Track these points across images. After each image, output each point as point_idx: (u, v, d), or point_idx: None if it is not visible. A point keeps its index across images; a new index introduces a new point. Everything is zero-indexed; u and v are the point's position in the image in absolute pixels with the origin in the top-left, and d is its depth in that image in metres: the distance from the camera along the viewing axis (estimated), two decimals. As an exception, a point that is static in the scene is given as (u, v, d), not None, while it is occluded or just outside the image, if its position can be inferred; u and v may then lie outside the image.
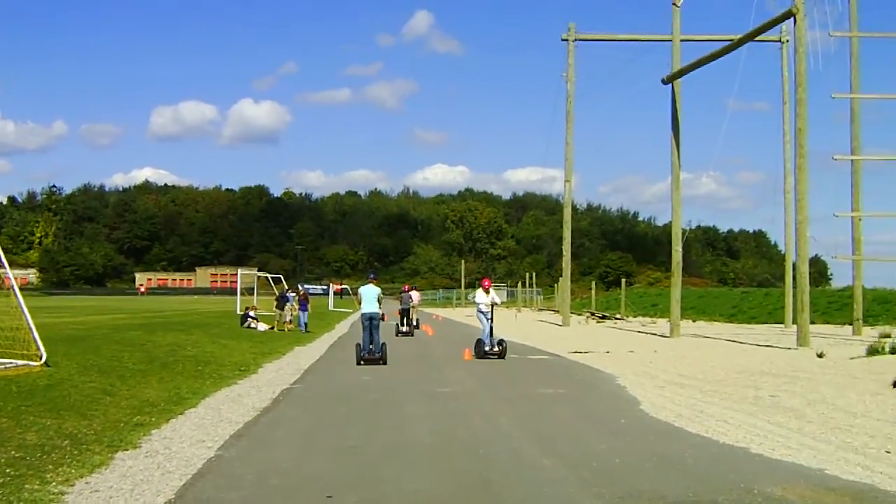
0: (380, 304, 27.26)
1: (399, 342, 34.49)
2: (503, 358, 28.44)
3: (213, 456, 11.46)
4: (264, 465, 10.96)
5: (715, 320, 65.95)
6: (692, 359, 28.42)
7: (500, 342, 29.21)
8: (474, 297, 31.13)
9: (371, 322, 26.61)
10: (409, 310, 45.60)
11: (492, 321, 29.48)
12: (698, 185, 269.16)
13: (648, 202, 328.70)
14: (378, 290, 27.54)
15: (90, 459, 10.75)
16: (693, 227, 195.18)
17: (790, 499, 9.23)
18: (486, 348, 28.77)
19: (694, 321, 63.38)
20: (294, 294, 52.83)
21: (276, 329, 44.04)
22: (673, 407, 16.77)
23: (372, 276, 29.03)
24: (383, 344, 26.70)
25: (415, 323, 47.87)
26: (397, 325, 44.67)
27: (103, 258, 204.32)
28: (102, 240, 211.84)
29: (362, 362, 26.00)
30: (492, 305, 29.74)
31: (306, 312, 46.61)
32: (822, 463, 11.25)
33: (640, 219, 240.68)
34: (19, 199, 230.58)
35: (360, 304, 27.66)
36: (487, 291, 30.13)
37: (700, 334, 45.17)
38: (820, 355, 26.88)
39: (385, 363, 25.88)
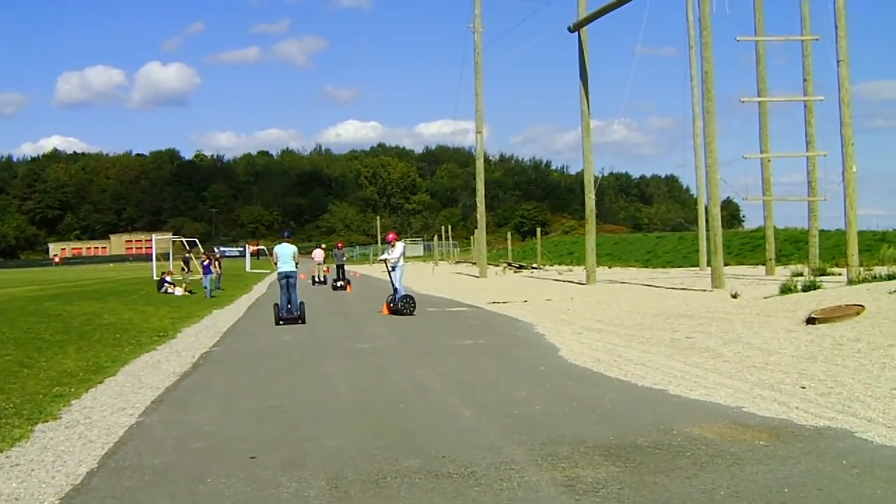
0: (296, 262, 27.11)
1: (317, 299, 34.41)
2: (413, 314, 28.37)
3: (134, 423, 11.37)
4: (186, 429, 10.90)
5: (630, 266, 66.52)
6: (609, 305, 28.68)
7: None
8: (387, 253, 30.94)
9: (288, 281, 26.49)
10: (342, 265, 51.63)
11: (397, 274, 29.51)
12: (610, 133, 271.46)
13: (560, 151, 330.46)
14: (293, 248, 27.36)
15: (9, 433, 10.61)
16: (606, 175, 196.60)
17: (709, 437, 9.37)
18: (401, 305, 28.72)
19: (610, 267, 63.93)
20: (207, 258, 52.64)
21: (188, 291, 43.82)
22: (591, 353, 16.96)
23: (286, 234, 28.83)
24: (301, 303, 26.61)
25: (322, 279, 54.87)
26: (333, 280, 50.53)
27: (15, 230, 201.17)
28: (13, 211, 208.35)
29: (281, 322, 25.93)
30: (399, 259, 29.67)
31: (209, 277, 43.12)
32: (739, 401, 11.44)
33: (553, 168, 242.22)
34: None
35: (276, 263, 27.56)
36: (394, 245, 29.90)
37: (616, 280, 45.61)
38: (734, 296, 27.23)
39: (304, 322, 25.84)
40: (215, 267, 50.57)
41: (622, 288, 38.60)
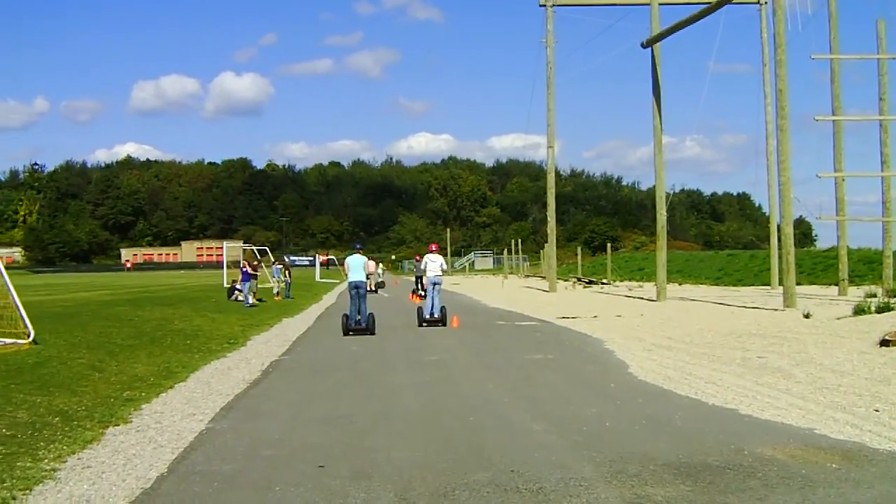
0: (367, 273, 27.15)
1: (384, 311, 34.42)
2: (445, 325, 28.80)
3: (204, 429, 11.47)
4: (255, 436, 10.98)
5: (701, 283, 66.02)
6: (679, 322, 28.47)
7: (442, 309, 29.53)
8: (422, 265, 31.04)
9: (357, 291, 26.57)
10: (421, 277, 50.46)
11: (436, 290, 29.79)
12: (682, 149, 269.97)
13: (632, 167, 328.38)
14: (364, 259, 27.49)
15: (82, 436, 10.75)
16: (677, 191, 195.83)
17: (780, 459, 9.27)
18: (427, 315, 29.23)
19: (680, 284, 63.49)
20: (281, 266, 52.95)
21: (254, 299, 44.12)
22: (661, 370, 16.84)
23: (358, 246, 29.08)
24: (371, 314, 26.65)
25: (373, 288, 55.53)
26: (414, 289, 51.50)
27: (88, 235, 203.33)
28: (87, 216, 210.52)
29: (350, 332, 26.02)
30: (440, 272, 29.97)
31: (248, 284, 41.79)
32: (811, 423, 11.31)
33: (625, 183, 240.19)
34: (2, 178, 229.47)
35: (346, 274, 27.66)
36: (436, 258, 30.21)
37: (686, 297, 45.23)
38: (807, 316, 26.94)
39: (373, 333, 25.87)
40: (285, 275, 51.07)
41: (693, 305, 38.30)
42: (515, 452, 9.78)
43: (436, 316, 29.16)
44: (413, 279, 53.78)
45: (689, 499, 7.74)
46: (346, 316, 26.67)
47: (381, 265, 59.35)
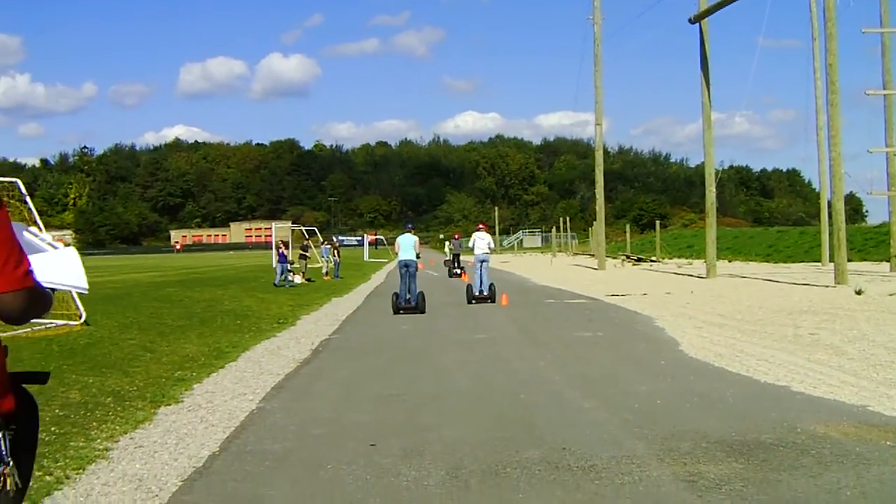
0: (417, 253, 27.22)
1: (435, 290, 34.36)
2: (493, 302, 29.24)
3: (255, 408, 11.52)
4: (306, 415, 11.01)
5: (751, 260, 65.69)
6: (729, 299, 28.33)
7: (490, 286, 29.97)
8: (470, 243, 31.36)
9: (408, 270, 26.67)
10: (459, 255, 53.40)
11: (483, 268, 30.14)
12: (731, 125, 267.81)
13: (680, 143, 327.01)
14: (415, 238, 27.56)
15: (134, 415, 10.83)
16: (726, 167, 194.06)
17: (833, 436, 9.18)
18: (476, 292, 29.70)
19: (730, 261, 63.20)
20: (329, 246, 53.13)
21: (307, 279, 44.42)
22: (712, 347, 16.73)
23: (409, 225, 29.21)
24: (420, 293, 26.69)
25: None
26: (450, 267, 52.48)
27: (137, 217, 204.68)
28: (136, 199, 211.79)
29: (400, 311, 26.11)
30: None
31: (283, 266, 42.05)
32: (864, 399, 11.19)
33: (673, 160, 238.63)
34: (52, 162, 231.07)
35: (397, 253, 27.76)
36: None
37: (736, 274, 44.97)
38: (858, 292, 26.74)
39: (423, 312, 25.91)
40: (334, 255, 51.24)
41: (743, 282, 38.07)
42: (567, 430, 9.75)
43: (485, 293, 29.43)
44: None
45: (743, 476, 7.68)
46: (396, 295, 26.80)
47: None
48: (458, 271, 51.03)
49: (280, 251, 43.13)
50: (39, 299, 3.22)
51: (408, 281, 26.56)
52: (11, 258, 3.05)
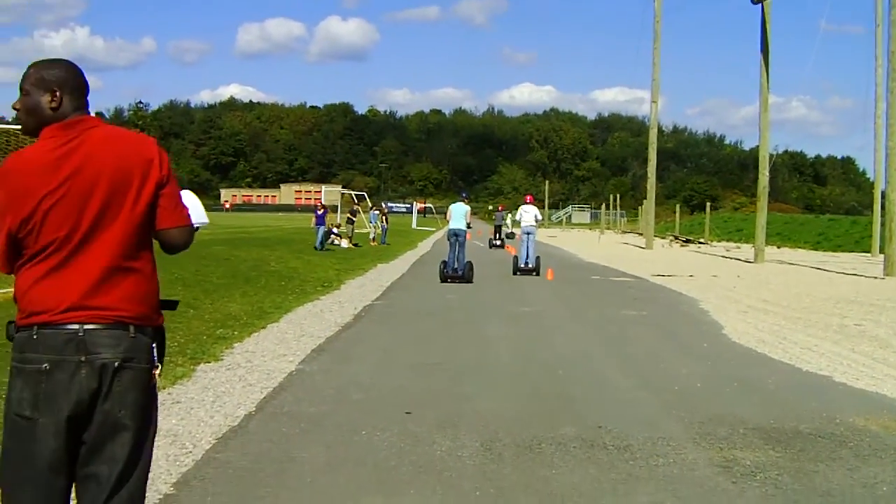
0: (468, 223, 27.24)
1: (481, 261, 34.30)
2: (538, 274, 29.41)
3: (294, 370, 11.55)
4: (345, 379, 11.04)
5: (800, 247, 65.23)
6: (776, 285, 28.15)
7: (536, 259, 30.15)
8: (517, 215, 31.50)
9: (457, 239, 26.72)
10: (501, 226, 54.00)
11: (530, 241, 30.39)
12: (787, 109, 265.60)
13: (735, 125, 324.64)
14: (467, 208, 27.65)
15: (172, 371, 10.84)
16: (780, 152, 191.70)
17: (873, 429, 9.08)
18: (522, 264, 29.92)
19: (779, 247, 62.73)
20: (378, 212, 53.17)
21: (354, 244, 44.45)
22: (756, 333, 16.62)
23: (464, 194, 29.28)
24: (468, 262, 26.68)
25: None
26: (491, 238, 53.00)
27: (189, 174, 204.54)
28: (188, 156, 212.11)
29: (448, 280, 26.19)
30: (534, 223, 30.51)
31: (322, 228, 41.36)
32: (907, 394, 11.09)
33: (727, 142, 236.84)
34: (107, 116, 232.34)
35: (448, 220, 27.86)
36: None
37: (785, 261, 44.70)
38: (908, 284, 26.50)
39: (469, 282, 25.93)
40: (382, 221, 51.33)
41: (790, 269, 37.83)
42: (604, 408, 9.73)
43: (530, 265, 29.60)
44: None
45: (779, 465, 7.62)
46: (444, 262, 26.93)
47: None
48: (499, 242, 51.46)
49: (318, 212, 42.71)
50: (191, 234, 4.36)
51: (456, 250, 26.58)
52: (179, 203, 4.22)
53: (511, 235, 54.20)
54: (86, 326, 3.87)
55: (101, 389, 3.87)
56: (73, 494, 4.00)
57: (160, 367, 4.12)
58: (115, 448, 3.91)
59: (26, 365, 3.88)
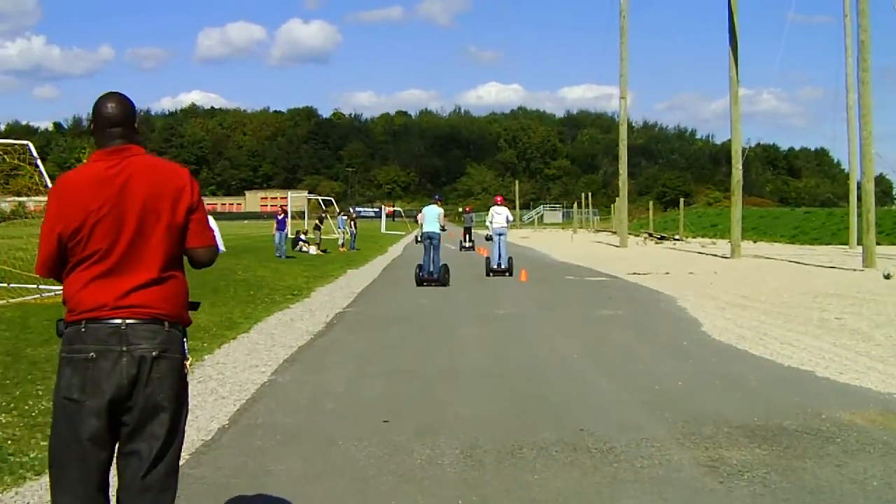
0: (441, 226, 27.31)
1: (453, 264, 34.29)
2: (511, 275, 29.80)
3: (266, 381, 11.49)
4: (319, 389, 11.00)
5: (776, 241, 65.50)
6: (754, 280, 28.25)
7: (509, 259, 30.64)
8: (488, 218, 31.76)
9: (431, 242, 26.91)
10: (470, 228, 54.58)
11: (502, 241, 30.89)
12: (758, 102, 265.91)
13: (706, 119, 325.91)
14: (440, 210, 27.76)
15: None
16: (753, 145, 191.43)
17: (859, 424, 9.10)
18: (494, 265, 30.38)
19: (755, 242, 62.98)
20: (346, 217, 53.08)
21: (322, 251, 44.27)
22: (735, 329, 16.67)
23: (437, 197, 29.41)
24: (443, 265, 26.76)
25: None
26: (461, 241, 52.96)
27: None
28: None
29: (424, 283, 26.31)
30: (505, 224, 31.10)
31: (282, 233, 40.31)
32: (891, 387, 11.11)
33: (698, 136, 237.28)
34: (65, 126, 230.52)
35: (421, 224, 27.94)
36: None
37: (761, 255, 44.87)
38: (887, 276, 26.61)
39: (445, 285, 25.99)
40: (350, 226, 51.23)
41: (768, 263, 37.98)
42: (585, 410, 9.72)
43: (503, 266, 30.02)
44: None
45: (766, 463, 7.62)
46: (419, 266, 27.06)
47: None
48: (469, 245, 51.81)
49: (278, 217, 41.42)
50: (215, 253, 5.17)
51: (431, 253, 26.71)
52: (207, 226, 5.04)
53: (490, 238, 54.55)
54: (127, 321, 4.66)
55: (141, 376, 4.63)
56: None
57: (189, 360, 4.93)
58: (155, 427, 4.69)
59: (75, 355, 4.64)
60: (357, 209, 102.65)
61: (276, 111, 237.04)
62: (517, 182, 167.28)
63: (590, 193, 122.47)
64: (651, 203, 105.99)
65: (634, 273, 31.74)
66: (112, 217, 4.71)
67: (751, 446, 8.16)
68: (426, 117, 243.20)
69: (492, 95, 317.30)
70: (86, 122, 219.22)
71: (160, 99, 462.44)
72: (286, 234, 41.12)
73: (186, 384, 4.91)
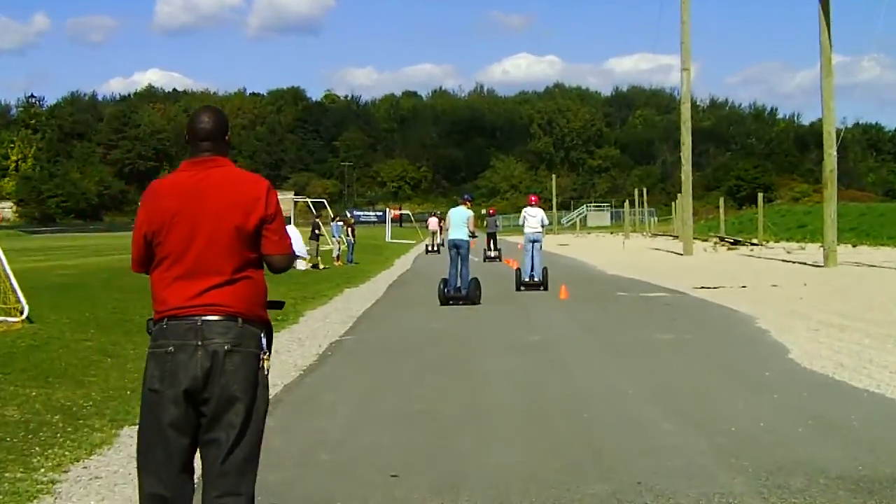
0: (471, 231, 27.46)
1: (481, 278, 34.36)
2: (546, 289, 30.22)
3: (245, 427, 11.45)
4: (310, 437, 11.03)
5: (882, 244, 65.24)
6: (854, 294, 28.19)
7: (543, 271, 31.15)
8: (521, 220, 32.03)
9: (457, 251, 27.29)
10: (495, 234, 55.75)
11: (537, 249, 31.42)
12: (857, 72, 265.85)
13: (790, 95, 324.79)
14: (469, 213, 28.05)
15: (89, 438, 10.77)
16: (850, 126, 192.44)
17: None
18: (527, 278, 30.99)
19: (854, 246, 62.82)
20: (342, 223, 52.85)
21: (312, 266, 44.22)
22: (832, 355, 16.63)
23: (466, 197, 29.73)
24: (473, 279, 27.12)
25: (436, 248, 60.54)
26: (485, 249, 54.40)
27: (98, 185, 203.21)
28: (96, 162, 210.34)
29: (450, 302, 26.74)
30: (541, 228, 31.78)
31: None
32: None
33: (780, 116, 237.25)
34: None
35: (447, 229, 28.31)
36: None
37: (863, 262, 44.76)
38: None
39: (475, 302, 26.57)
40: (346, 233, 51.13)
41: (871, 272, 37.93)
42: (643, 459, 9.71)
43: (536, 279, 30.56)
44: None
45: (873, 523, 7.58)
46: (444, 281, 27.35)
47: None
48: (494, 254, 53.26)
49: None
50: (291, 259, 6.60)
51: (458, 264, 27.01)
52: (283, 234, 6.37)
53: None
54: (203, 318, 6.03)
55: (215, 369, 5.97)
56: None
57: (268, 354, 6.31)
58: (231, 416, 6.02)
59: (157, 349, 6.07)
60: (355, 213, 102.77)
61: (253, 93, 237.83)
62: (554, 177, 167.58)
63: (644, 189, 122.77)
64: (722, 200, 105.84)
65: (702, 287, 31.76)
66: (187, 222, 6.15)
67: (853, 502, 8.12)
68: (440, 98, 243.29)
69: (521, 70, 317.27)
70: (15, 110, 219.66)
71: (109, 80, 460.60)
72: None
73: (264, 377, 6.27)
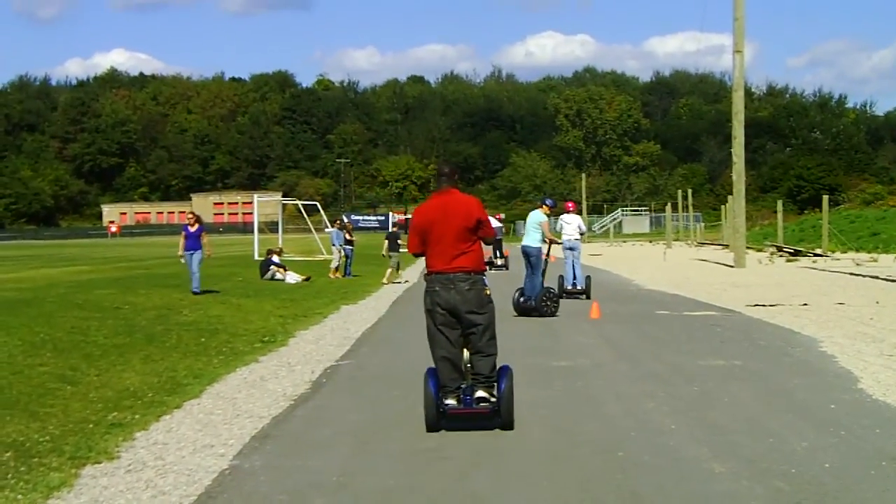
0: (545, 238, 28.28)
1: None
2: (589, 297, 31.55)
3: (227, 467, 11.56)
4: (302, 478, 11.05)
5: (972, 254, 65.25)
6: (936, 313, 28.17)
7: (587, 279, 33.09)
8: (558, 227, 32.63)
9: (529, 260, 28.42)
10: (501, 241, 58.32)
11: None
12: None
13: (863, 80, 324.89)
14: (543, 217, 29.09)
15: (44, 479, 10.79)
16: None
17: None
18: (569, 286, 32.86)
19: (936, 256, 62.80)
20: (342, 229, 52.33)
21: (304, 278, 44.16)
22: (909, 385, 16.63)
23: (545, 201, 30.51)
24: (547, 289, 28.41)
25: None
26: (490, 258, 55.33)
27: (53, 185, 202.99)
28: (51, 157, 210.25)
29: (523, 315, 27.76)
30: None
31: (194, 254, 35.12)
32: None
33: (850, 105, 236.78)
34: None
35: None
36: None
37: (946, 276, 44.72)
38: None
39: (548, 315, 27.75)
40: (345, 242, 50.86)
41: (955, 288, 37.86)
42: (689, 505, 9.72)
43: (578, 286, 32.50)
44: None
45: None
46: (519, 291, 28.62)
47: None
48: (501, 262, 55.86)
49: (187, 228, 36.25)
50: (494, 236, 16.68)
51: (530, 273, 28.18)
52: (489, 227, 14.66)
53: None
54: (451, 274, 13.80)
55: (461, 298, 13.70)
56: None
57: (489, 289, 13.98)
58: (477, 319, 13.82)
59: (429, 288, 13.89)
60: (352, 218, 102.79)
61: (234, 78, 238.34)
62: (584, 176, 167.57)
63: (689, 191, 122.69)
64: (780, 203, 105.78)
65: (756, 305, 31.76)
66: (440, 225, 13.77)
67: (935, 558, 8.16)
68: (452, 85, 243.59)
69: (547, 52, 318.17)
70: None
71: (64, 62, 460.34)
72: (201, 256, 36.07)
73: (490, 298, 13.90)
